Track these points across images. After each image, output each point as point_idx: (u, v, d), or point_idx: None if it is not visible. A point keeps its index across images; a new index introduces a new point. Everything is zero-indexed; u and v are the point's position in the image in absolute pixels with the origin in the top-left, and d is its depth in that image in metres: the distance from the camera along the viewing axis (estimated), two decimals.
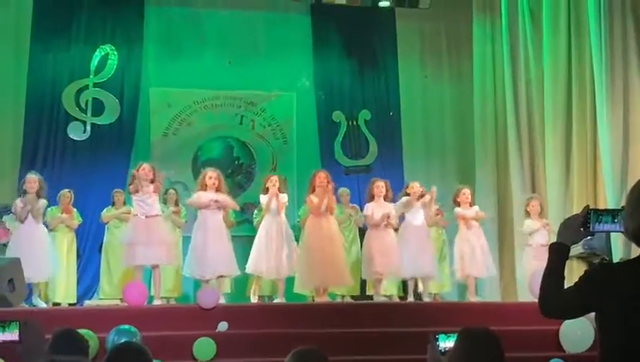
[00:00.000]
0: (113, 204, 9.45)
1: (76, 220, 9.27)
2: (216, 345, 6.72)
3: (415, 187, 8.63)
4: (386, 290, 9.00)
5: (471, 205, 8.79)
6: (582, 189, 8.96)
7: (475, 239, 8.66)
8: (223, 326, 7.09)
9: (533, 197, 8.84)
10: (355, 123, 11.19)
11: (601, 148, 8.59)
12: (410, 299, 8.64)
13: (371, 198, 8.59)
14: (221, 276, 8.22)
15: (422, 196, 8.59)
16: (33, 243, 8.04)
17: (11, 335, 2.75)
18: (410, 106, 11.38)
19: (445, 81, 11.49)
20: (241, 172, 11.02)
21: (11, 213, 9.40)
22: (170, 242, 8.32)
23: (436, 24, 11.49)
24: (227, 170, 10.94)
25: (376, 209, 8.48)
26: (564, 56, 9.27)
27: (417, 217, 8.61)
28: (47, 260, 8.17)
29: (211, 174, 8.15)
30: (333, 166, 11.00)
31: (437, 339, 2.99)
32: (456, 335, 2.82)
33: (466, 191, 8.86)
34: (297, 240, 8.77)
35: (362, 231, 9.93)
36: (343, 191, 9.90)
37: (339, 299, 9.26)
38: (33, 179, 8.11)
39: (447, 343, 2.96)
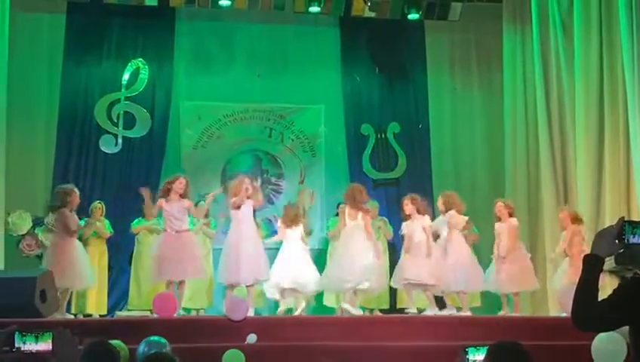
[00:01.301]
0: (144, 216, 9.53)
1: (107, 231, 9.36)
2: (245, 357, 6.72)
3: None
4: (418, 303, 8.95)
5: (511, 215, 8.70)
6: (614, 202, 8.84)
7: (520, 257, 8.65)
8: (252, 338, 7.10)
9: (562, 210, 8.79)
10: (383, 136, 11.16)
11: (634, 160, 8.48)
12: (450, 311, 8.54)
13: (407, 217, 8.58)
14: (256, 281, 8.24)
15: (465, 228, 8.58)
16: (73, 252, 8.10)
17: (45, 345, 2.79)
18: (439, 119, 11.32)
19: (475, 93, 11.41)
20: (269, 185, 11.05)
21: (44, 224, 9.55)
22: (200, 256, 8.35)
23: (466, 36, 11.44)
24: None
25: (410, 226, 8.45)
26: (596, 67, 9.17)
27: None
28: (87, 268, 8.28)
29: (247, 181, 8.27)
30: (362, 179, 10.96)
31: (466, 353, 2.98)
32: (485, 348, 2.81)
33: (499, 204, 8.77)
34: (325, 251, 8.79)
35: (390, 244, 9.91)
36: (371, 204, 9.90)
37: (367, 313, 9.21)
38: (77, 195, 8.19)
39: (476, 356, 2.95)
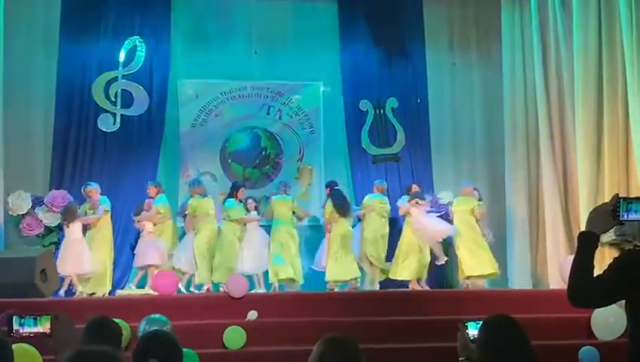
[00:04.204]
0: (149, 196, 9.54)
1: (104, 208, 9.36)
2: (246, 333, 6.77)
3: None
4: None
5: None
6: (613, 177, 8.81)
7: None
8: (252, 314, 7.15)
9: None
10: (382, 111, 11.09)
11: (633, 134, 8.47)
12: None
13: None
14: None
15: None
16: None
17: (43, 328, 2.80)
18: (438, 94, 11.25)
19: (474, 67, 11.32)
20: (268, 162, 11.03)
21: (43, 204, 9.56)
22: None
23: (464, 9, 11.33)
24: (254, 160, 10.98)
25: None
26: (595, 40, 9.09)
27: None
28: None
29: None
30: (361, 155, 10.96)
31: (466, 327, 3.01)
32: None
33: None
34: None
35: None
36: (380, 183, 10.06)
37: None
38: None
39: (476, 330, 2.98)
